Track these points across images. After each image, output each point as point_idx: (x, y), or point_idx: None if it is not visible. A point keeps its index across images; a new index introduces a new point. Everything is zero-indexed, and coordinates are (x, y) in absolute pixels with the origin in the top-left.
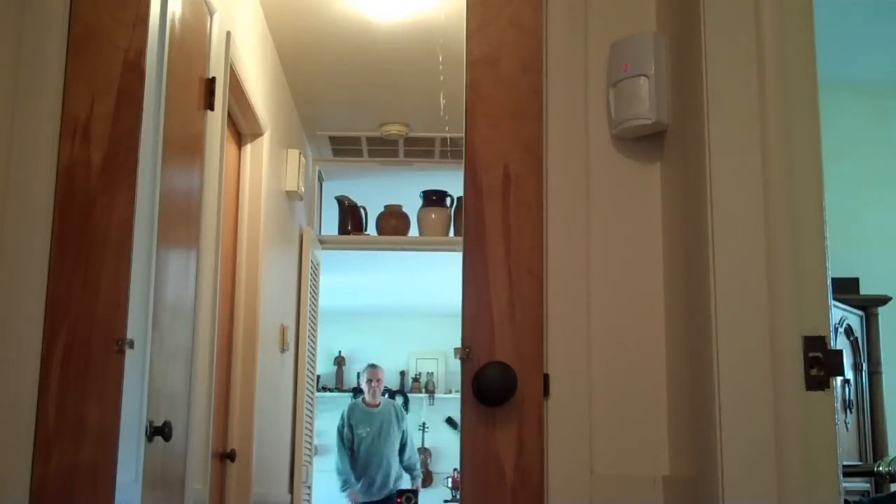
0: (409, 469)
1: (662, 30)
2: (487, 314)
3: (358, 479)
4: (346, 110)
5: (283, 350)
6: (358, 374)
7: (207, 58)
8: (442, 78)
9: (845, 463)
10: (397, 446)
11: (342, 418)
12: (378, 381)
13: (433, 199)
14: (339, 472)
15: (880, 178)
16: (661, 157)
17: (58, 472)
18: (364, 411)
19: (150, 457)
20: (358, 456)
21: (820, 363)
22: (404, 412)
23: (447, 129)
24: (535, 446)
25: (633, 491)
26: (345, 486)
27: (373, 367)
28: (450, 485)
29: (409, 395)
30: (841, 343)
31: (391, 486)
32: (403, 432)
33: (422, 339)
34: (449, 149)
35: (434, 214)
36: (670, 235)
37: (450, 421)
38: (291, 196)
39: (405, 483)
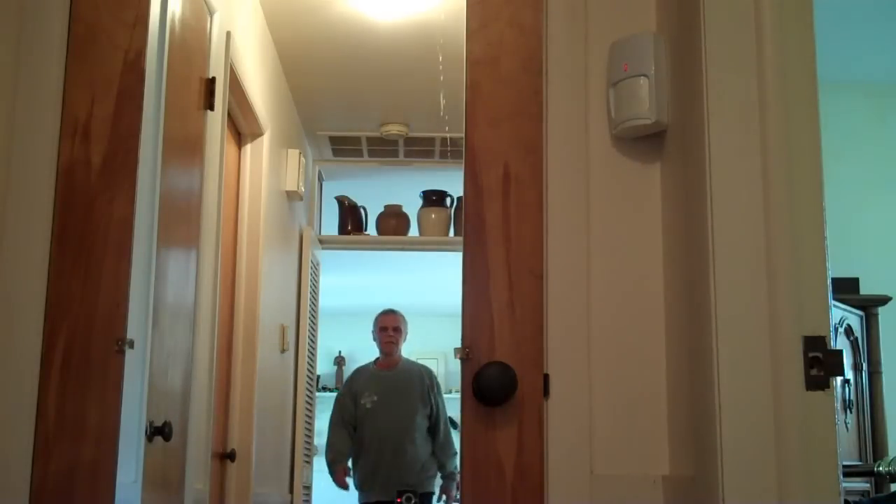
0: (440, 463)
1: (662, 30)
2: (487, 314)
3: (362, 470)
4: (346, 110)
5: (283, 350)
6: None
7: (207, 58)
8: (442, 78)
9: (845, 463)
10: (424, 425)
11: (344, 385)
12: (396, 330)
13: (433, 199)
14: (328, 448)
15: (880, 178)
16: (661, 157)
17: (58, 472)
18: (373, 374)
19: (150, 457)
20: (362, 435)
21: (820, 363)
22: (436, 380)
23: (447, 129)
24: (535, 446)
25: (633, 491)
26: (333, 464)
27: (389, 312)
28: None
29: None
30: (841, 343)
31: (414, 481)
32: (433, 407)
33: (422, 339)
34: (449, 149)
35: (434, 214)
36: (670, 235)
37: (450, 421)
38: (291, 196)
39: (434, 483)
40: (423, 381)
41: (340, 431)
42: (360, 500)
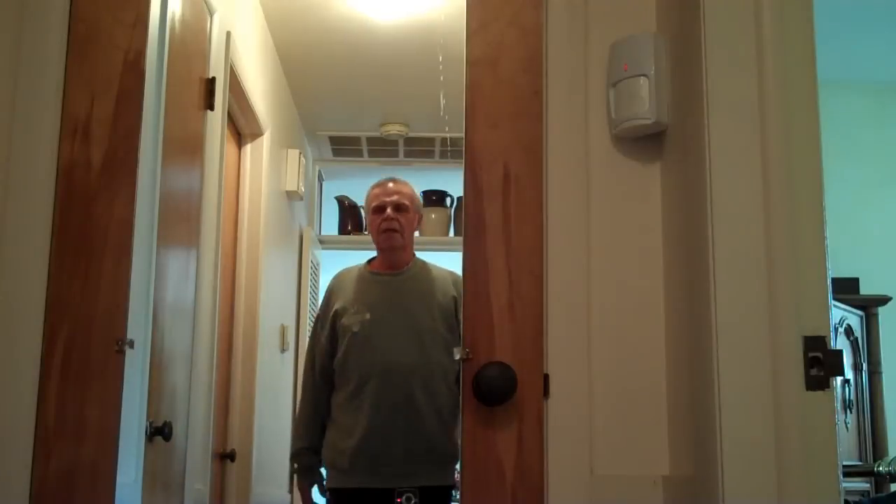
0: None
1: (662, 30)
2: (487, 314)
3: (340, 438)
4: (346, 110)
5: (283, 350)
6: None
7: (207, 58)
8: (442, 78)
9: (845, 463)
10: (448, 364)
11: (321, 304)
12: (400, 210)
13: (433, 199)
14: (292, 438)
15: (880, 178)
16: (661, 157)
17: (58, 472)
18: (365, 280)
19: (150, 457)
20: (344, 377)
21: (820, 363)
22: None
23: (447, 129)
24: (535, 446)
25: (633, 491)
26: (298, 472)
27: (387, 180)
28: None
29: None
30: (841, 343)
31: (427, 463)
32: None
33: None
34: (449, 149)
35: (434, 214)
36: (670, 235)
37: None
38: (291, 196)
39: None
40: (447, 294)
41: (311, 403)
42: (329, 483)
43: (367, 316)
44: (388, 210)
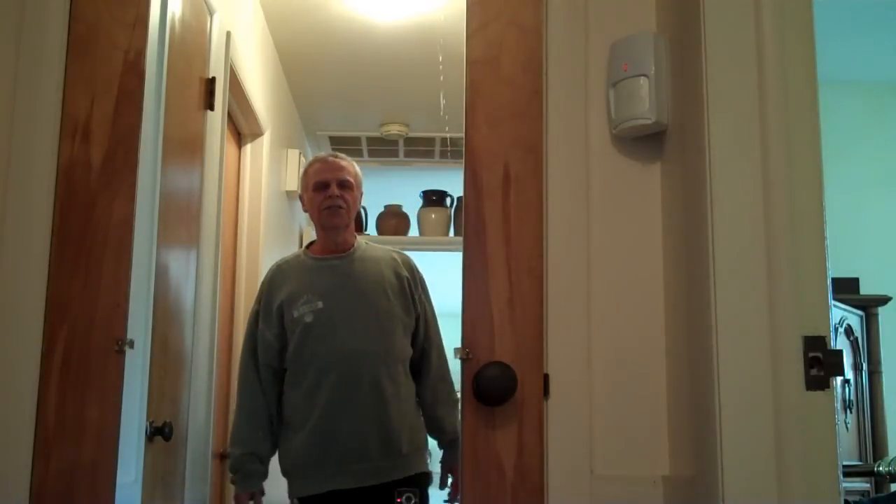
0: (434, 419)
1: (662, 30)
2: (487, 314)
3: (300, 441)
4: (346, 110)
5: None
6: None
7: (207, 58)
8: (442, 78)
9: (845, 463)
10: (407, 350)
11: (258, 295)
12: (344, 187)
13: (433, 199)
14: (230, 442)
15: (880, 177)
16: (661, 157)
17: (58, 472)
18: (310, 267)
19: (150, 457)
20: (298, 373)
21: (820, 363)
22: (419, 273)
23: (447, 129)
24: (535, 446)
25: (633, 491)
26: (237, 480)
27: (329, 156)
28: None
29: None
30: (841, 343)
31: (398, 454)
32: (420, 318)
33: None
34: (449, 149)
35: (434, 214)
36: (670, 235)
37: None
38: (291, 196)
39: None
40: (398, 274)
41: (254, 408)
42: (292, 492)
43: (320, 304)
44: (333, 186)
